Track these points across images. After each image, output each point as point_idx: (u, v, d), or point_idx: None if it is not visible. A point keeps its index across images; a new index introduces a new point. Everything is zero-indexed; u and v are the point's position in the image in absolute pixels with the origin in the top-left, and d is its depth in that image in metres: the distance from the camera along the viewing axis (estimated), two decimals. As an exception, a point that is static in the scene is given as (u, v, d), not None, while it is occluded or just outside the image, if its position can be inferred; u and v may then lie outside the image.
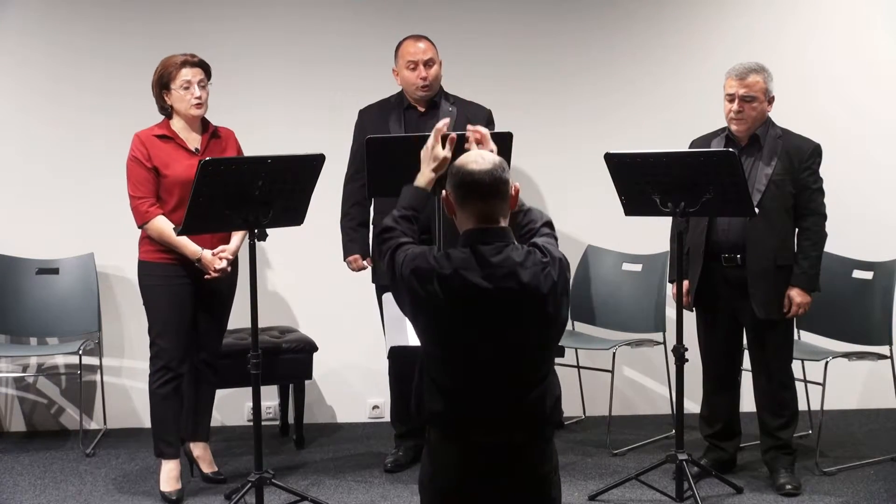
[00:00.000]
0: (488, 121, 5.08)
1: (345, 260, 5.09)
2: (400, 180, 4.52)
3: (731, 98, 4.74)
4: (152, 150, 4.67)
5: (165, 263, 4.71)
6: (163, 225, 4.64)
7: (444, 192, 2.97)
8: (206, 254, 4.66)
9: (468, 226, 2.94)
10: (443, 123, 3.24)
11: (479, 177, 2.90)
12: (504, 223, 2.95)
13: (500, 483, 2.91)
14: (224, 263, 4.67)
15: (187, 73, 4.66)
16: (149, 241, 4.73)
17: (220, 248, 4.70)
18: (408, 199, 3.15)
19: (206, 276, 4.67)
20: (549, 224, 3.12)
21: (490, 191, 2.91)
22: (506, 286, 2.85)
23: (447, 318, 2.88)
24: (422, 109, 5.07)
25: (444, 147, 3.19)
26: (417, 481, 3.11)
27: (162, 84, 4.69)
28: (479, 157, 2.94)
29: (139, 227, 4.73)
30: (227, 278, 4.79)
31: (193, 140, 4.75)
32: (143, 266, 4.78)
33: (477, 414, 2.90)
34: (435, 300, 2.86)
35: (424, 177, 3.18)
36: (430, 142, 3.20)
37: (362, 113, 5.15)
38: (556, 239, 3.08)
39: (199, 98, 4.67)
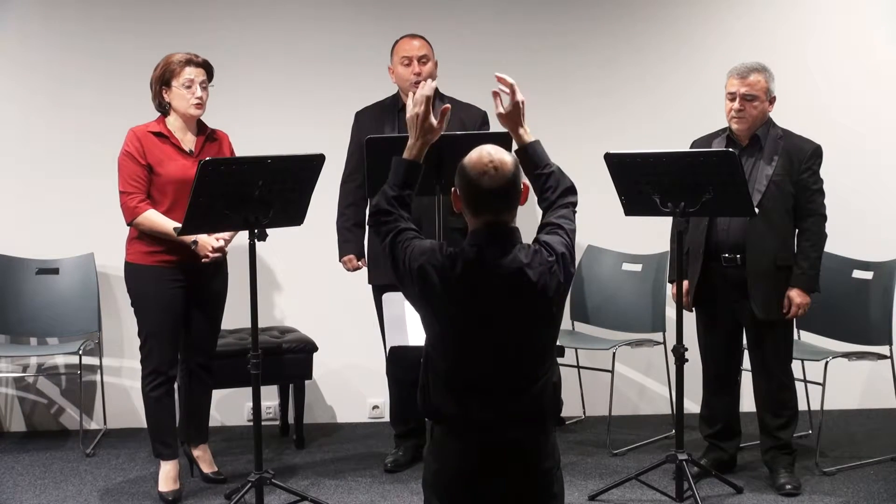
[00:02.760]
0: (483, 122, 5.08)
1: (340, 260, 5.10)
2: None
3: (732, 97, 4.74)
4: (147, 147, 4.62)
5: (156, 266, 4.63)
6: (153, 216, 4.55)
7: (453, 189, 2.94)
8: (202, 235, 4.55)
9: (476, 225, 2.92)
10: (429, 89, 3.06)
11: (495, 191, 2.87)
12: (512, 223, 2.93)
13: (503, 479, 2.91)
14: (221, 243, 4.60)
15: (191, 72, 4.62)
16: (138, 242, 4.65)
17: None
18: (401, 174, 3.01)
19: (203, 260, 4.58)
20: (570, 190, 3.10)
21: (503, 203, 2.90)
22: (514, 287, 2.85)
23: (453, 316, 2.88)
24: None
25: (435, 115, 3.06)
26: (421, 480, 3.10)
27: (163, 80, 4.64)
28: (492, 170, 2.86)
29: (128, 224, 4.63)
30: (219, 279, 4.77)
31: (189, 141, 4.70)
32: (131, 268, 4.69)
33: (480, 410, 2.89)
34: (441, 298, 2.86)
35: (415, 148, 3.04)
36: (417, 109, 3.02)
37: (358, 115, 5.16)
38: (573, 206, 3.06)
39: (200, 98, 4.63)
